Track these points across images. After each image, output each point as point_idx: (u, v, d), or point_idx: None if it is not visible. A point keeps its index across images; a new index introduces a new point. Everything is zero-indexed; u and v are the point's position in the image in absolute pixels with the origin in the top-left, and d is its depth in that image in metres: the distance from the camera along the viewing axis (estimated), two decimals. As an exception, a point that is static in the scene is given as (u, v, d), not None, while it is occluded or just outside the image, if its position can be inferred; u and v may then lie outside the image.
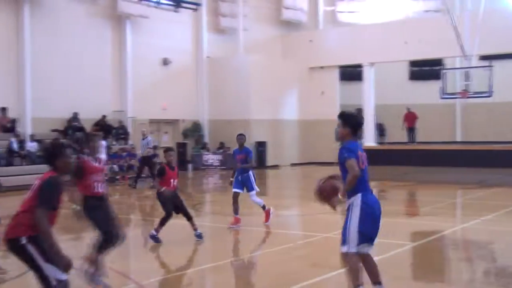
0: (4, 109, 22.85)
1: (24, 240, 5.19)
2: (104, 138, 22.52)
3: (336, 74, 33.61)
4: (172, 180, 10.20)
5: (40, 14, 24.00)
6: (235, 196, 12.02)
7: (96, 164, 7.77)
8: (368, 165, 6.33)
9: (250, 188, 12.10)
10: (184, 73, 30.02)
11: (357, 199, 6.02)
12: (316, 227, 12.00)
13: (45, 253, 5.17)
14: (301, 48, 33.68)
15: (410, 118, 31.08)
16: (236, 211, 11.90)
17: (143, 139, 21.97)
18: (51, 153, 5.54)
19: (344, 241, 6.02)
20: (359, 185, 6.02)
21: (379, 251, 9.81)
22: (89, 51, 25.55)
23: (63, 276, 5.22)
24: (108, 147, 23.83)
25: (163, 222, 10.11)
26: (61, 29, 24.52)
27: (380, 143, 32.81)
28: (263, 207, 12.18)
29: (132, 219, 14.49)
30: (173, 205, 10.15)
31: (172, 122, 30.02)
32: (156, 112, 28.40)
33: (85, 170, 7.59)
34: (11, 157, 21.62)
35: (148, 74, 27.95)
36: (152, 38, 28.14)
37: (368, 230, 6.03)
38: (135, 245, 10.31)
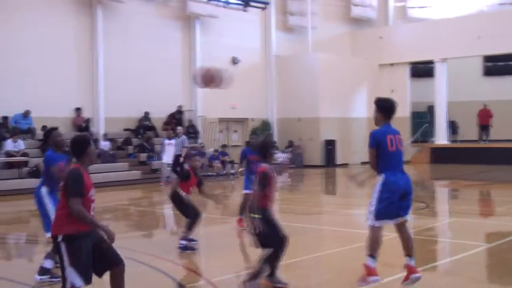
0: (78, 109, 23.55)
1: (60, 238, 5.34)
2: (174, 136, 22.84)
3: (406, 71, 33.00)
4: (191, 188, 9.74)
5: (112, 17, 24.62)
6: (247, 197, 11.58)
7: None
8: (402, 146, 6.72)
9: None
10: (252, 72, 30.12)
11: (380, 179, 6.50)
12: (387, 226, 11.77)
13: (74, 256, 5.29)
14: (370, 45, 33.23)
15: (484, 116, 30.16)
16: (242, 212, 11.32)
17: (178, 137, 21.47)
18: (78, 146, 5.63)
19: (368, 216, 6.60)
20: (384, 166, 6.49)
21: (453, 252, 9.56)
22: (159, 52, 25.99)
23: (79, 284, 5.30)
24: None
25: (191, 226, 9.59)
26: (133, 31, 25.08)
27: (453, 141, 31.98)
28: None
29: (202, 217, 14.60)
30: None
31: (241, 121, 30.19)
32: (225, 111, 28.62)
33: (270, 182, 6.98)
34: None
35: (217, 73, 28.12)
36: (221, 37, 28.38)
37: (386, 209, 6.48)
38: (204, 243, 10.39)
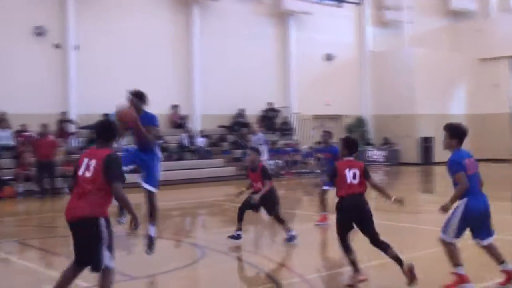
0: (175, 106, 24.13)
1: (101, 220, 5.47)
2: (266, 133, 22.97)
3: (509, 65, 31.58)
4: (255, 183, 9.57)
5: (208, 16, 25.06)
6: (322, 193, 11.51)
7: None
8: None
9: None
10: (347, 68, 29.81)
11: (462, 203, 6.53)
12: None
13: (111, 238, 5.52)
14: (470, 38, 32.05)
15: None
16: (324, 208, 11.39)
17: (254, 135, 21.37)
18: (109, 131, 5.73)
19: (444, 231, 6.63)
20: (465, 192, 6.51)
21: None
22: (254, 49, 26.18)
23: (113, 265, 5.57)
24: (272, 143, 24.34)
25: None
26: (227, 29, 25.39)
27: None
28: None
29: (297, 214, 14.59)
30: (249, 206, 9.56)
31: (335, 118, 29.91)
32: (320, 108, 28.46)
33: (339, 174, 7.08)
34: (182, 151, 22.76)
35: (312, 70, 28.08)
36: (315, 34, 28.24)
37: (464, 230, 6.60)
38: (299, 239, 10.33)
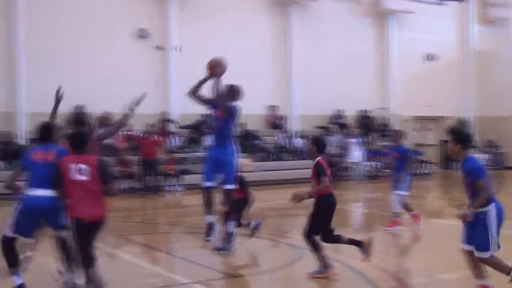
0: (273, 107, 24.26)
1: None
2: (365, 134, 22.73)
3: None
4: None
5: (306, 16, 25.02)
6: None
7: None
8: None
9: (397, 187, 11.32)
10: (449, 68, 28.89)
11: (492, 208, 6.24)
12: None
13: None
14: None
15: None
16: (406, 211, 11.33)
17: (330, 136, 21.03)
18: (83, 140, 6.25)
19: (487, 248, 6.25)
20: (491, 195, 6.29)
21: None
22: (352, 49, 25.87)
23: None
24: (368, 144, 24.03)
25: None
26: (326, 29, 25.24)
27: None
28: (396, 214, 11.27)
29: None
30: None
31: (437, 119, 29.06)
32: (420, 109, 27.73)
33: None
34: (279, 152, 22.87)
35: (412, 70, 27.43)
36: (416, 33, 27.55)
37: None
38: (402, 243, 10.13)
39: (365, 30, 26.79)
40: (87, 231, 6.07)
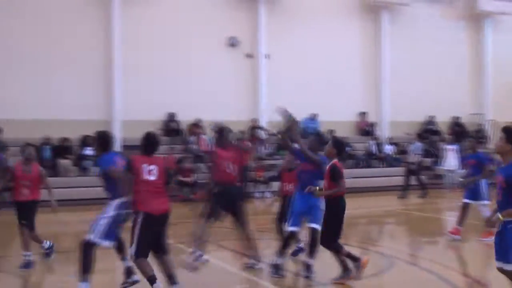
0: (363, 113, 24.01)
1: None
2: (457, 141, 22.08)
3: None
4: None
5: (398, 21, 24.64)
6: (464, 206, 11.03)
7: None
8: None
9: (478, 198, 10.95)
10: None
11: None
12: None
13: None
14: None
15: None
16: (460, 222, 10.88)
17: (412, 143, 20.27)
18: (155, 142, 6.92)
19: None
20: None
21: None
22: (445, 54, 25.19)
23: None
24: (461, 151, 23.28)
25: None
26: (418, 34, 24.72)
27: None
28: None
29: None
30: None
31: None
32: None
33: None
34: (369, 159, 22.59)
35: (509, 74, 26.37)
36: (513, 35, 26.55)
37: None
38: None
39: (459, 34, 26.04)
40: (158, 224, 6.74)
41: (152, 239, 6.74)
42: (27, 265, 8.50)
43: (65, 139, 19.01)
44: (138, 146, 6.94)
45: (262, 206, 18.25)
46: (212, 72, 21.60)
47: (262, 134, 21.80)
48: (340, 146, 8.05)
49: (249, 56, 22.28)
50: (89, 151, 18.43)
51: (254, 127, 21.55)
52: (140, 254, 6.63)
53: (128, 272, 7.37)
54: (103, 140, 7.26)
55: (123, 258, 7.47)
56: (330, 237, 7.71)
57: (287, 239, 8.27)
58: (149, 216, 6.62)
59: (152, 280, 6.59)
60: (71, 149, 18.97)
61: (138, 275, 7.21)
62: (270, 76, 22.34)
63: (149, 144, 6.88)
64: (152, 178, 6.68)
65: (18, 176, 8.66)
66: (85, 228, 7.13)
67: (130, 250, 6.71)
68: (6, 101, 18.81)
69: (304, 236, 8.95)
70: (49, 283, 7.39)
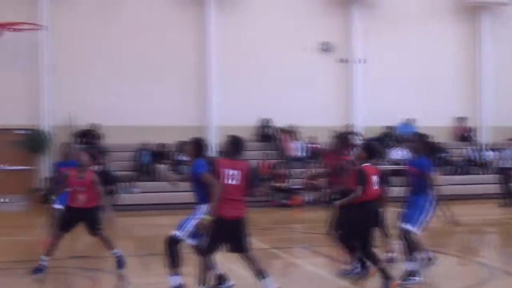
0: (462, 118, 23.30)
1: None
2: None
3: None
4: None
5: (497, 22, 23.82)
6: None
7: None
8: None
9: None
10: None
11: None
12: None
13: None
14: None
15: None
16: None
17: (505, 149, 19.12)
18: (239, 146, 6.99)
19: None
20: None
21: None
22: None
23: None
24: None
25: None
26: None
27: None
28: None
29: None
30: None
31: None
32: None
33: None
34: (468, 165, 21.88)
35: None
36: None
37: None
38: None
39: None
40: (228, 227, 6.88)
41: (222, 242, 6.95)
42: (120, 263, 8.72)
43: (162, 145, 19.61)
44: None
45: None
46: (305, 77, 21.65)
47: (356, 140, 21.59)
48: (371, 150, 7.81)
49: (343, 61, 22.17)
50: (184, 156, 18.93)
51: (348, 132, 21.37)
52: (207, 253, 6.89)
53: (220, 278, 7.47)
54: (197, 145, 7.39)
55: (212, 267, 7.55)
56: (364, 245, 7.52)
57: (412, 243, 8.03)
58: (220, 219, 6.79)
59: (204, 280, 6.88)
60: (168, 154, 19.53)
61: (232, 281, 7.35)
62: (365, 81, 22.16)
63: (233, 148, 7.07)
64: (232, 182, 6.85)
65: (72, 183, 8.73)
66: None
67: (200, 244, 6.99)
68: (108, 108, 19.70)
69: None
70: (147, 284, 7.62)
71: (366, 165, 7.60)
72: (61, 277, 8.88)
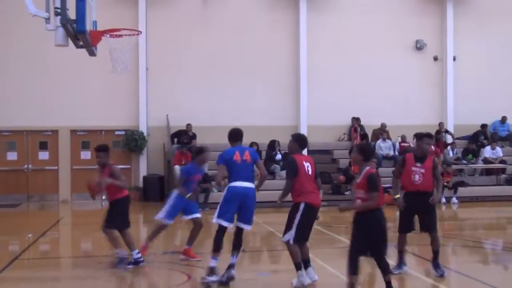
0: None
1: None
2: None
3: None
4: None
5: None
6: None
7: None
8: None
9: None
10: None
11: None
12: None
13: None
14: None
15: None
16: None
17: None
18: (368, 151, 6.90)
19: None
20: None
21: None
22: None
23: None
24: None
25: None
26: None
27: None
28: None
29: None
30: None
31: None
32: None
33: None
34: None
35: None
36: None
37: None
38: None
39: None
40: (314, 214, 7.52)
41: (308, 228, 7.53)
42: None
43: (254, 143, 19.99)
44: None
45: (448, 212, 17.77)
46: (396, 76, 21.71)
47: (449, 138, 21.29)
48: (366, 151, 6.89)
49: (435, 58, 21.96)
50: (277, 155, 19.33)
51: (440, 131, 21.09)
52: (297, 241, 7.36)
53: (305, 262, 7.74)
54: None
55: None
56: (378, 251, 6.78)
57: None
58: (310, 206, 7.38)
59: (299, 266, 7.39)
60: (260, 153, 19.89)
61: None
62: (457, 78, 21.86)
63: (302, 143, 7.78)
64: (309, 173, 7.53)
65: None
66: (270, 229, 7.61)
67: (286, 236, 7.40)
68: (200, 110, 20.49)
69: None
70: (238, 280, 7.91)
71: (370, 168, 6.81)
72: (157, 271, 9.28)
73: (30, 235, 12.72)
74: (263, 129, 20.34)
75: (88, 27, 9.75)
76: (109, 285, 8.43)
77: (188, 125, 19.92)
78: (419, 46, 21.87)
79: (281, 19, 21.29)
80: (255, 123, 20.41)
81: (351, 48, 21.34)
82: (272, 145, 19.54)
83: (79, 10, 9.10)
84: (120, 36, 10.77)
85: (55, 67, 19.75)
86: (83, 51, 10.53)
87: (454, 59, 21.89)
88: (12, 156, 20.41)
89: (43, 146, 20.56)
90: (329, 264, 8.94)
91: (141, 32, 12.98)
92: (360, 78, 21.37)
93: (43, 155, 20.55)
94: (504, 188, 19.35)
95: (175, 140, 19.79)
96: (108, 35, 10.54)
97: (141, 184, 19.95)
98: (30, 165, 20.40)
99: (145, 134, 20.20)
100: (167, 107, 20.25)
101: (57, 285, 8.70)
